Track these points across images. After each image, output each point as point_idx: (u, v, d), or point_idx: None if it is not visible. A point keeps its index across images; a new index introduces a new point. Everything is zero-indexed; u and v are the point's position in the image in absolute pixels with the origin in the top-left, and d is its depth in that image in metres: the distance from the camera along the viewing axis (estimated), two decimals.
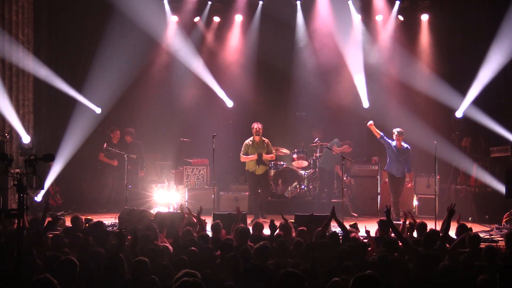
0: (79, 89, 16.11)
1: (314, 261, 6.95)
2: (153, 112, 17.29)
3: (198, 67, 17.19)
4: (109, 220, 12.97)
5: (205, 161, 16.46)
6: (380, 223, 9.83)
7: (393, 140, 14.02)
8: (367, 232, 9.33)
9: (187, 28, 17.36)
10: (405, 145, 14.05)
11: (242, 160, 14.62)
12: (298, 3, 17.22)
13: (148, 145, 16.44)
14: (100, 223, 9.90)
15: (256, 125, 14.51)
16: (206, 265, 7.27)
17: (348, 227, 9.90)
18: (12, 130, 14.95)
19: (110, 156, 15.53)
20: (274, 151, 14.73)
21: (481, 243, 8.76)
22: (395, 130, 14.05)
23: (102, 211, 15.09)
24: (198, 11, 17.42)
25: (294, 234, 9.49)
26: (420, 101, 16.42)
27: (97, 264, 7.01)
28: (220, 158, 15.47)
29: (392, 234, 8.92)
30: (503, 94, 15.28)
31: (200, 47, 17.50)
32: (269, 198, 15.71)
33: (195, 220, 10.22)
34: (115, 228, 11.68)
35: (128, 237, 8.71)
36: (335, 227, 11.88)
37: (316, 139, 15.43)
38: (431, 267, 7.13)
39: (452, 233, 9.38)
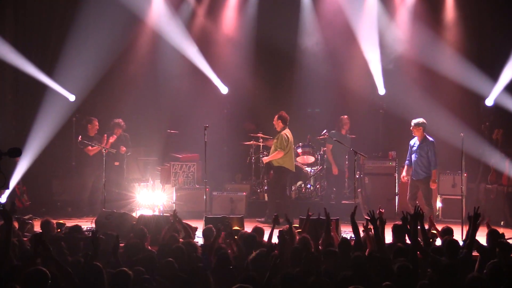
0: (49, 74, 16.13)
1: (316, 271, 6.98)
2: (136, 100, 17.23)
3: (188, 48, 17.14)
4: (85, 224, 12.92)
5: (196, 157, 16.44)
6: (394, 229, 9.77)
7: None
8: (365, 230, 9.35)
9: (175, 3, 17.30)
10: (430, 138, 13.76)
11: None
12: None
13: (130, 138, 16.33)
14: (77, 228, 9.88)
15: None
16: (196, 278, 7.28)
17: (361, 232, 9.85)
18: None
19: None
20: (281, 148, 14.47)
21: None
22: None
23: (83, 216, 14.96)
24: None
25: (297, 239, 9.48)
26: (445, 87, 16.43)
27: (72, 275, 6.97)
28: (213, 153, 15.43)
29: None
30: None
31: (190, 25, 17.44)
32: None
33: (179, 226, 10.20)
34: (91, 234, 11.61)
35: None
36: (345, 233, 11.93)
37: (324, 131, 15.38)
38: (455, 279, 7.11)
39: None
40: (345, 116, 15.39)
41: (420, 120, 13.62)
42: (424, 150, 13.54)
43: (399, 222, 9.77)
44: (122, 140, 15.62)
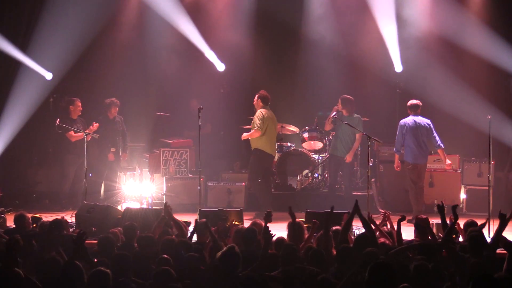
0: (23, 49, 16.06)
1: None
2: (121, 79, 17.17)
3: (180, 19, 17.07)
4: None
5: (189, 142, 16.43)
6: (417, 225, 9.80)
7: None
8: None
9: None
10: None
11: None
12: None
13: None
14: (60, 222, 9.89)
15: None
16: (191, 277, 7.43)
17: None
18: None
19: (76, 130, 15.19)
20: (257, 127, 14.47)
21: None
22: None
23: (62, 209, 14.95)
24: None
25: (306, 236, 9.48)
26: (470, 64, 16.42)
27: (50, 275, 7.14)
28: (209, 138, 15.42)
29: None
30: None
31: None
32: (272, 190, 15.76)
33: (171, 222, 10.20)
34: (71, 229, 11.64)
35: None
36: (357, 228, 11.93)
37: (334, 113, 15.29)
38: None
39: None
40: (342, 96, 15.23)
41: (411, 102, 14.44)
42: None
43: (422, 216, 9.84)
44: (121, 125, 15.57)
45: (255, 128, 14.39)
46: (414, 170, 14.25)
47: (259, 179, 14.76)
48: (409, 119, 14.18)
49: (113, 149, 15.40)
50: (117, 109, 15.48)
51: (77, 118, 15.43)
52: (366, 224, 9.22)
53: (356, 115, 14.83)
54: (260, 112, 14.43)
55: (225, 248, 7.61)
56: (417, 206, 14.04)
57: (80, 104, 15.48)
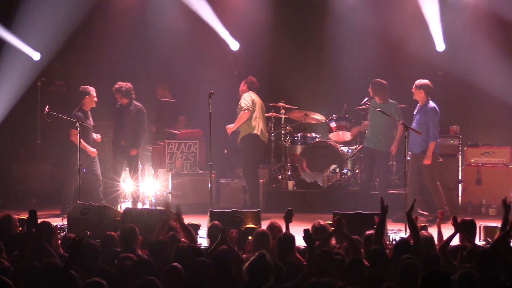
0: (7, 25, 16.15)
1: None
2: (119, 60, 17.29)
3: None
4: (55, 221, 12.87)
5: (198, 133, 16.40)
6: (462, 227, 9.67)
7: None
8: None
9: None
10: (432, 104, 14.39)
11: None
12: None
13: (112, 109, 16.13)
14: (46, 226, 9.81)
15: None
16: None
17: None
18: None
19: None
20: (245, 107, 14.71)
21: None
22: None
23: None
24: None
25: (334, 242, 9.36)
26: None
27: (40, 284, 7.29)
28: (221, 128, 15.33)
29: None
30: None
31: None
32: (295, 188, 15.68)
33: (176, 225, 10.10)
34: (63, 233, 11.62)
35: None
36: (393, 232, 11.83)
37: (366, 99, 15.21)
38: None
39: None
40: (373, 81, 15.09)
41: (423, 81, 14.32)
42: (424, 117, 14.30)
43: (467, 218, 9.71)
44: (134, 115, 15.15)
45: (243, 109, 14.58)
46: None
47: (257, 171, 15.05)
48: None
49: (122, 142, 15.15)
50: (125, 99, 14.90)
51: (89, 111, 14.94)
52: (414, 228, 9.03)
53: (391, 101, 14.66)
54: (248, 94, 14.84)
55: (254, 257, 7.49)
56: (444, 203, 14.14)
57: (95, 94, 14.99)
